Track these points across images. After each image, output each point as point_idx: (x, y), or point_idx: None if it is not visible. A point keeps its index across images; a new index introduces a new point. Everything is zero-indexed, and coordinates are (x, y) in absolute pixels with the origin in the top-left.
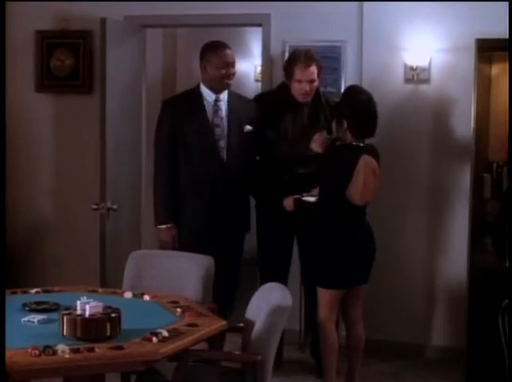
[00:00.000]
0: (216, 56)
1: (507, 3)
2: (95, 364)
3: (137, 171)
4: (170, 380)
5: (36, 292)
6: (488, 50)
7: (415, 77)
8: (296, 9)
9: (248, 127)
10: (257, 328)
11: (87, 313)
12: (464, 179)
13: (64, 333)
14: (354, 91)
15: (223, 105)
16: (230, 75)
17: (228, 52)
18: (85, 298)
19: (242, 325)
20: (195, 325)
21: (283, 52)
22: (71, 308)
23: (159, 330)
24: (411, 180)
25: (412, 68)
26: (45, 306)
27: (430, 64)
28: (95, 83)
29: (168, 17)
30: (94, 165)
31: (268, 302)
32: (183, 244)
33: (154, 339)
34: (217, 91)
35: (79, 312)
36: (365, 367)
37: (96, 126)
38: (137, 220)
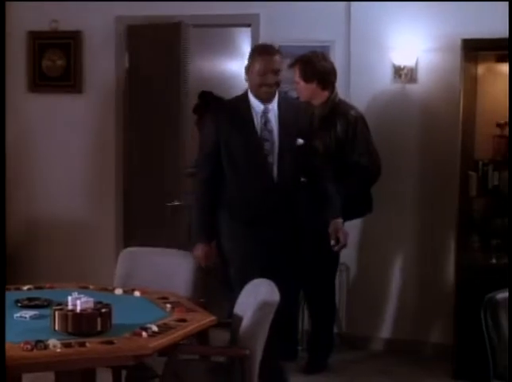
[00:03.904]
0: (257, 61)
1: (493, 3)
2: (86, 359)
3: None
4: (160, 375)
5: (28, 289)
6: (474, 50)
7: (402, 77)
8: (285, 9)
9: (300, 141)
10: (245, 323)
11: (78, 309)
12: (450, 177)
13: (56, 328)
14: None
15: (273, 116)
16: (271, 83)
17: (269, 57)
18: (76, 293)
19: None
20: (184, 320)
21: None
22: (62, 304)
23: (149, 325)
24: (398, 177)
25: (399, 68)
26: (37, 302)
27: (417, 63)
28: (85, 83)
29: (157, 17)
30: (85, 164)
31: (255, 297)
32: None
33: (144, 334)
34: (262, 100)
35: (70, 307)
36: (356, 363)
37: (87, 126)
38: None
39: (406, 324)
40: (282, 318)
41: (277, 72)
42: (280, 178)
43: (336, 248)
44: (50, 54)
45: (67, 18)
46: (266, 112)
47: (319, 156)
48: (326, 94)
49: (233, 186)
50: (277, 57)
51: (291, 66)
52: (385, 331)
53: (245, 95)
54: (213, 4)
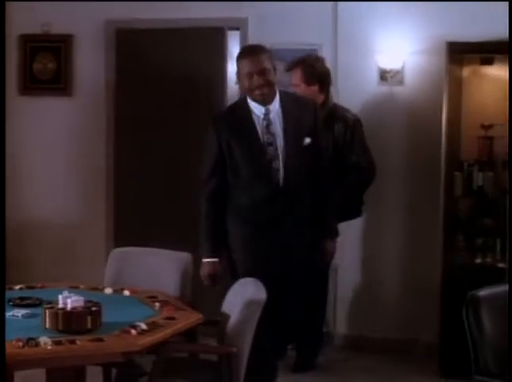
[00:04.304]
0: (241, 64)
1: (477, 7)
2: (76, 356)
3: None
4: (149, 372)
5: (20, 288)
6: (459, 53)
7: (389, 79)
8: (273, 13)
9: (307, 140)
10: (232, 321)
11: (69, 307)
12: (436, 177)
13: (47, 326)
14: None
15: (276, 117)
16: (258, 85)
17: (252, 58)
18: (67, 292)
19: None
20: (172, 318)
21: None
22: (53, 302)
23: (138, 323)
24: (385, 178)
25: (385, 71)
26: (29, 302)
27: (403, 66)
28: (76, 86)
29: (147, 21)
30: (76, 166)
31: (242, 296)
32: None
33: (133, 331)
34: (261, 102)
35: (61, 306)
36: (341, 362)
37: (77, 128)
38: None
39: (394, 323)
40: (292, 322)
41: (262, 71)
42: (286, 183)
43: (318, 264)
44: (41, 57)
45: (58, 22)
46: (268, 114)
47: (324, 156)
48: (322, 97)
49: (239, 195)
50: (261, 56)
51: (290, 69)
52: (374, 330)
53: (244, 100)
54: (201, 7)
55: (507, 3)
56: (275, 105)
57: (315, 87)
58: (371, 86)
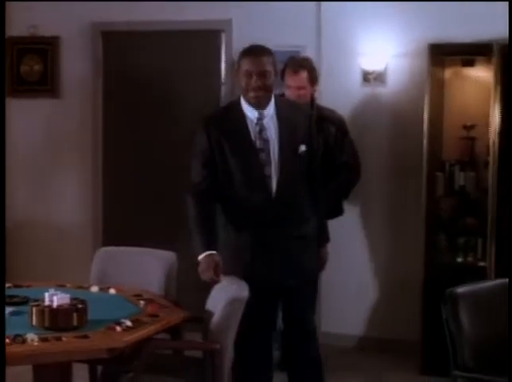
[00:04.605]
0: (242, 63)
1: (459, 10)
2: (62, 352)
3: None
4: (133, 369)
5: (8, 287)
6: (440, 55)
7: (372, 81)
8: (258, 15)
9: (302, 148)
10: (215, 318)
11: (55, 304)
12: (418, 177)
13: (34, 323)
14: None
15: (271, 123)
16: (255, 87)
17: (254, 58)
18: (53, 290)
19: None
20: (157, 315)
21: None
22: (39, 300)
23: (123, 320)
24: (368, 178)
25: (368, 72)
26: (16, 300)
27: (386, 68)
28: (63, 88)
29: (132, 23)
30: (63, 167)
31: (225, 293)
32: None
33: (118, 328)
34: (255, 105)
35: (47, 303)
36: (327, 360)
37: (64, 129)
38: None
39: (376, 321)
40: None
41: (262, 74)
42: (279, 191)
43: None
44: (28, 59)
45: (44, 24)
46: (261, 119)
47: (316, 162)
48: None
49: (230, 202)
50: (264, 58)
51: (296, 72)
52: (356, 328)
53: (238, 101)
54: (186, 9)
55: (489, 5)
56: (269, 110)
57: (317, 88)
58: (354, 87)
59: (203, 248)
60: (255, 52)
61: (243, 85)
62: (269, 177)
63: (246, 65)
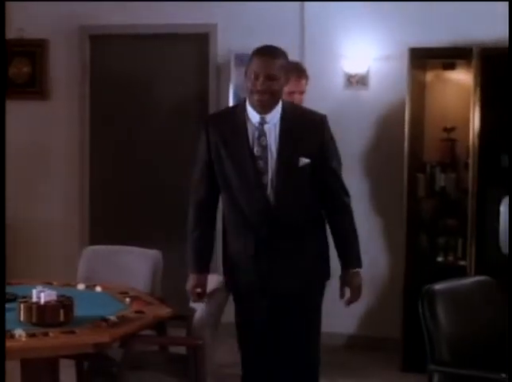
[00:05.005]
0: (251, 63)
1: (440, 14)
2: (50, 347)
3: None
4: (119, 364)
5: None
6: (421, 58)
7: (354, 83)
8: (242, 19)
9: (304, 160)
10: (198, 314)
11: (42, 301)
12: (399, 178)
13: (21, 319)
14: None
15: (272, 129)
16: (260, 90)
17: (265, 59)
18: (41, 287)
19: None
20: (142, 312)
21: (228, 61)
22: (27, 297)
23: (108, 317)
24: (350, 179)
25: (351, 75)
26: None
27: (368, 71)
28: (51, 90)
29: (118, 26)
30: (52, 167)
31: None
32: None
33: (104, 324)
34: (258, 109)
35: (34, 300)
36: None
37: (53, 131)
38: None
39: (359, 320)
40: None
41: (270, 77)
42: (277, 201)
43: (346, 303)
44: (16, 62)
45: (32, 27)
46: (262, 124)
47: (340, 179)
48: None
49: (228, 209)
50: (276, 61)
51: (300, 77)
52: (340, 326)
53: (243, 104)
54: (173, 13)
55: (470, 10)
56: (274, 116)
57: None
58: (337, 89)
59: (191, 268)
60: (266, 53)
61: (249, 86)
62: (267, 184)
63: (254, 66)
